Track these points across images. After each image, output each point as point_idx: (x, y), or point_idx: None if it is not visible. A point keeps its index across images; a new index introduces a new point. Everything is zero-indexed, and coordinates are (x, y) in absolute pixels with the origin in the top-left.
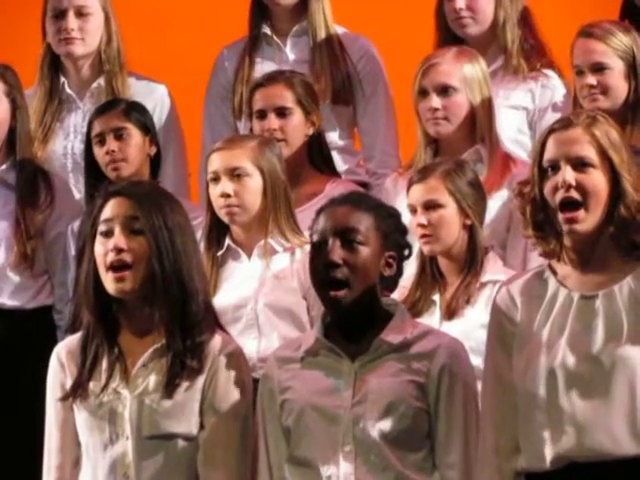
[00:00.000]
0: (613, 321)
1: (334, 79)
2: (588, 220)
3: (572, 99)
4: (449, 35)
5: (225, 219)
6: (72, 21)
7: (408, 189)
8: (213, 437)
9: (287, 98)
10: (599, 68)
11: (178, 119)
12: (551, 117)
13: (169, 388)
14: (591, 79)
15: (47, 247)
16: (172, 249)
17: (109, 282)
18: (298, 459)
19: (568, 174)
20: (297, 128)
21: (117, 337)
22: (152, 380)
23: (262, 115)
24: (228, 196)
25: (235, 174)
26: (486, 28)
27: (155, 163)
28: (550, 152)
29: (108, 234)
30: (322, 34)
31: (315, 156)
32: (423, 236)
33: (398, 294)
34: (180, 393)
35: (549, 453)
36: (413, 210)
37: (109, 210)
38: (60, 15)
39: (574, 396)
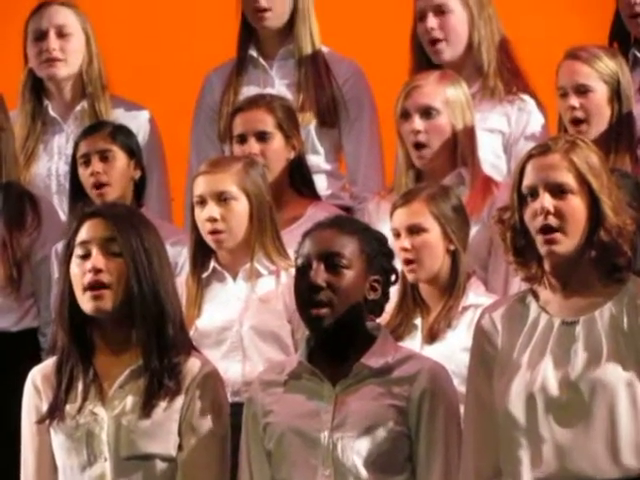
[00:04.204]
0: (593, 347)
1: (319, 102)
2: (566, 243)
3: (550, 126)
4: (424, 59)
5: (212, 245)
6: (53, 41)
7: (392, 213)
8: (192, 458)
9: (267, 122)
10: (583, 90)
11: (161, 143)
12: (525, 142)
13: (147, 408)
14: (574, 101)
15: (33, 270)
16: (149, 270)
17: (86, 301)
18: None
19: (546, 201)
20: (278, 152)
21: (92, 358)
22: (129, 401)
23: (242, 139)
24: (215, 220)
25: (222, 198)
26: (460, 51)
27: (140, 187)
28: (529, 178)
29: (85, 256)
30: (308, 57)
31: (296, 180)
32: (407, 262)
33: (379, 319)
34: (158, 413)
35: (529, 477)
36: (397, 234)
37: (85, 232)
38: (41, 37)
39: (554, 421)
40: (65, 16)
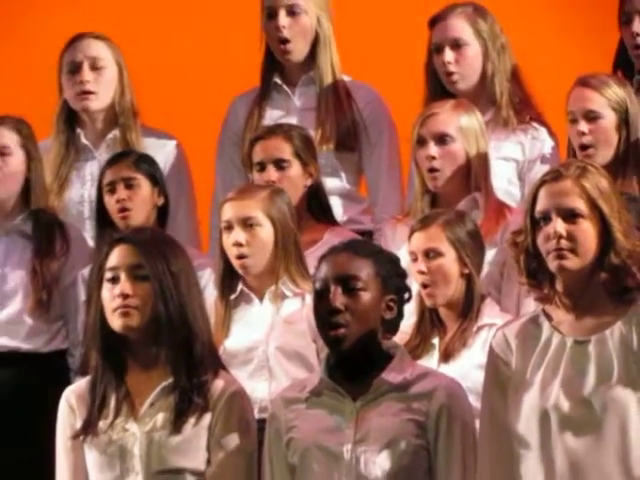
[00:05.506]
0: (604, 365)
1: (339, 125)
2: (576, 260)
3: (560, 152)
4: (438, 89)
5: (239, 271)
6: (87, 74)
7: (410, 236)
8: (220, 473)
9: (285, 150)
10: (592, 117)
11: (189, 171)
12: (539, 169)
13: (177, 424)
14: (583, 126)
15: (62, 294)
16: (176, 293)
17: (116, 319)
18: None
19: (559, 225)
20: (295, 180)
21: (124, 376)
22: (160, 417)
23: (261, 167)
24: (240, 245)
25: (248, 224)
26: (474, 82)
27: (162, 214)
28: (541, 204)
29: (114, 281)
30: (329, 82)
31: (313, 206)
32: (424, 286)
33: (398, 339)
34: (188, 429)
35: None
36: (414, 258)
37: (114, 258)
38: (75, 69)
39: (567, 438)
40: (98, 49)
